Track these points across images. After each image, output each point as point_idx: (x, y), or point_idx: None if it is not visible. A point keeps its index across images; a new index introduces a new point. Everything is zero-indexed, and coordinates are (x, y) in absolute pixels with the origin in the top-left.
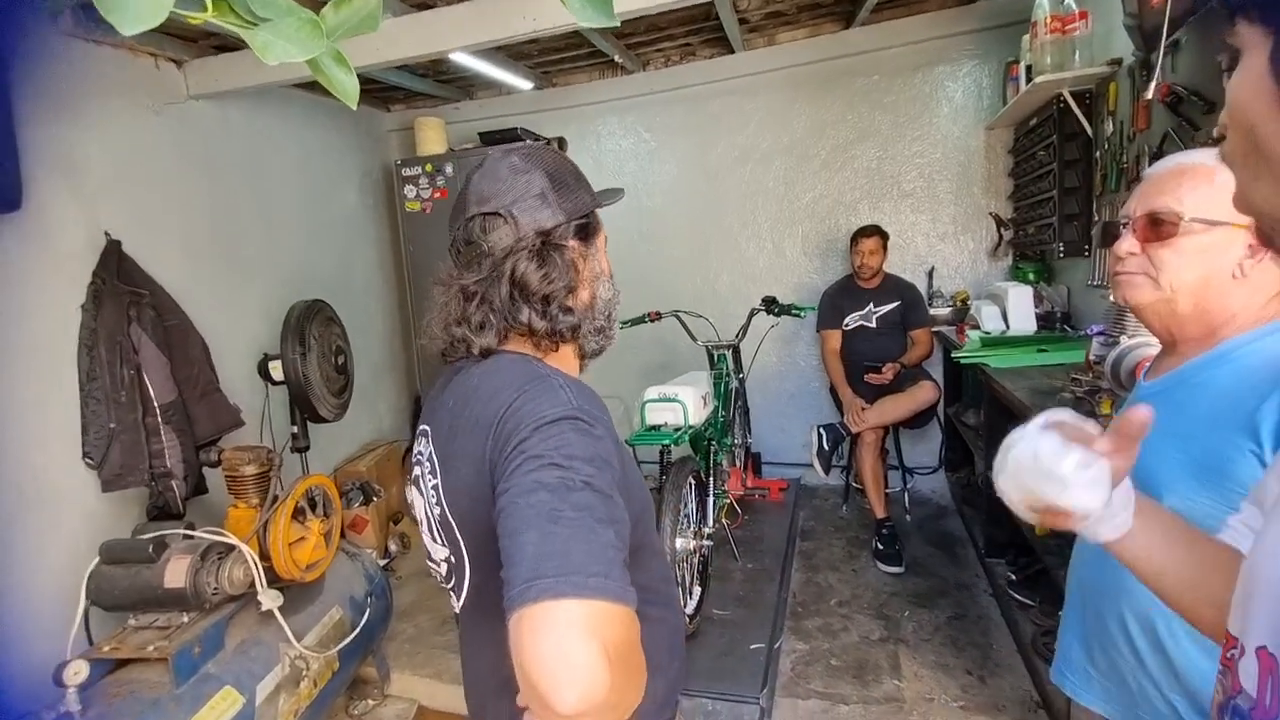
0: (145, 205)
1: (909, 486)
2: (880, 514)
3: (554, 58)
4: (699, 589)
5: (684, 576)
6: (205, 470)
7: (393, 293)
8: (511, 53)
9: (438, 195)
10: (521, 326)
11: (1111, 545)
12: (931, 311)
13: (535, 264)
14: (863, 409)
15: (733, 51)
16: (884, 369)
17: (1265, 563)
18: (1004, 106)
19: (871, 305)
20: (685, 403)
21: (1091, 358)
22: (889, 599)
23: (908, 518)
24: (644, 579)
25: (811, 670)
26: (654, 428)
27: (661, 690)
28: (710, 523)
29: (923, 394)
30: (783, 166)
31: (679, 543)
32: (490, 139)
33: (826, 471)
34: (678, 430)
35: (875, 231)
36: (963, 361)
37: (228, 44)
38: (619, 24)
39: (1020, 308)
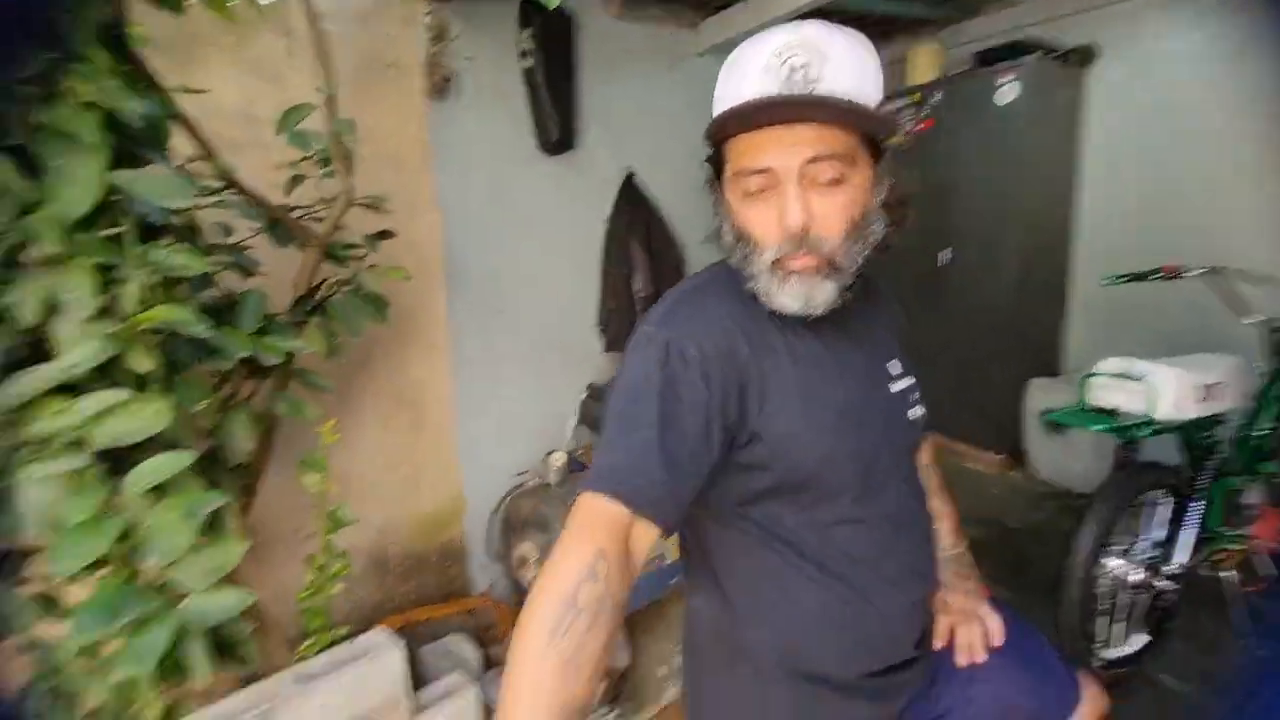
0: (653, 144)
1: None
2: None
3: None
4: (1145, 636)
5: (1125, 607)
6: None
7: None
8: None
9: (920, 127)
10: None
11: None
12: None
13: None
14: None
15: None
16: None
17: None
18: None
19: None
20: (1158, 386)
21: None
22: None
23: None
24: (798, 522)
25: None
26: (1100, 411)
27: (769, 640)
28: (1178, 562)
29: None
30: None
31: (1110, 563)
32: (987, 58)
33: None
34: (1133, 423)
35: None
36: None
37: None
38: None
39: None
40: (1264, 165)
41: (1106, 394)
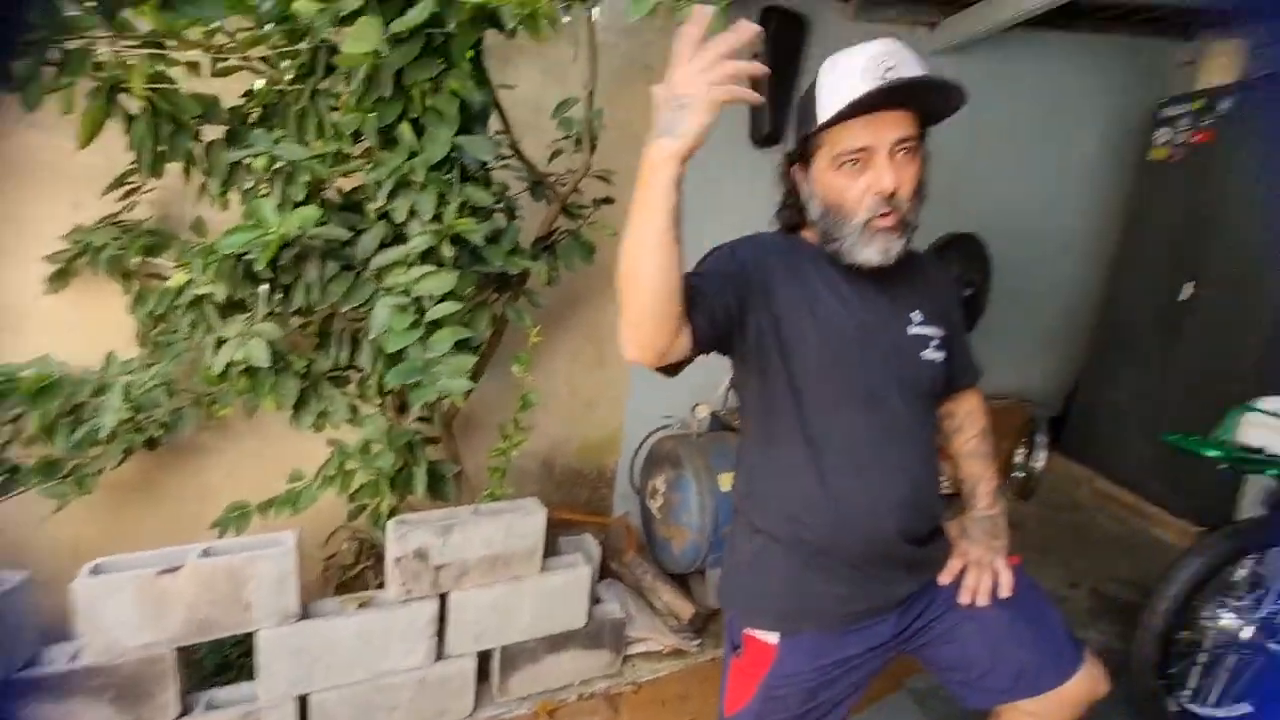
0: None
1: None
2: None
3: None
4: (1245, 707)
5: (1231, 665)
6: None
7: (1098, 255)
8: None
9: (1195, 139)
10: None
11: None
12: None
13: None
14: None
15: None
16: None
17: None
18: None
19: None
20: None
21: None
22: None
23: None
24: (810, 417)
25: None
26: (1244, 449)
27: (776, 513)
28: None
29: None
30: None
31: (1224, 614)
32: None
33: None
34: (1262, 459)
35: None
36: None
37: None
38: None
39: None
40: None
41: (1256, 431)
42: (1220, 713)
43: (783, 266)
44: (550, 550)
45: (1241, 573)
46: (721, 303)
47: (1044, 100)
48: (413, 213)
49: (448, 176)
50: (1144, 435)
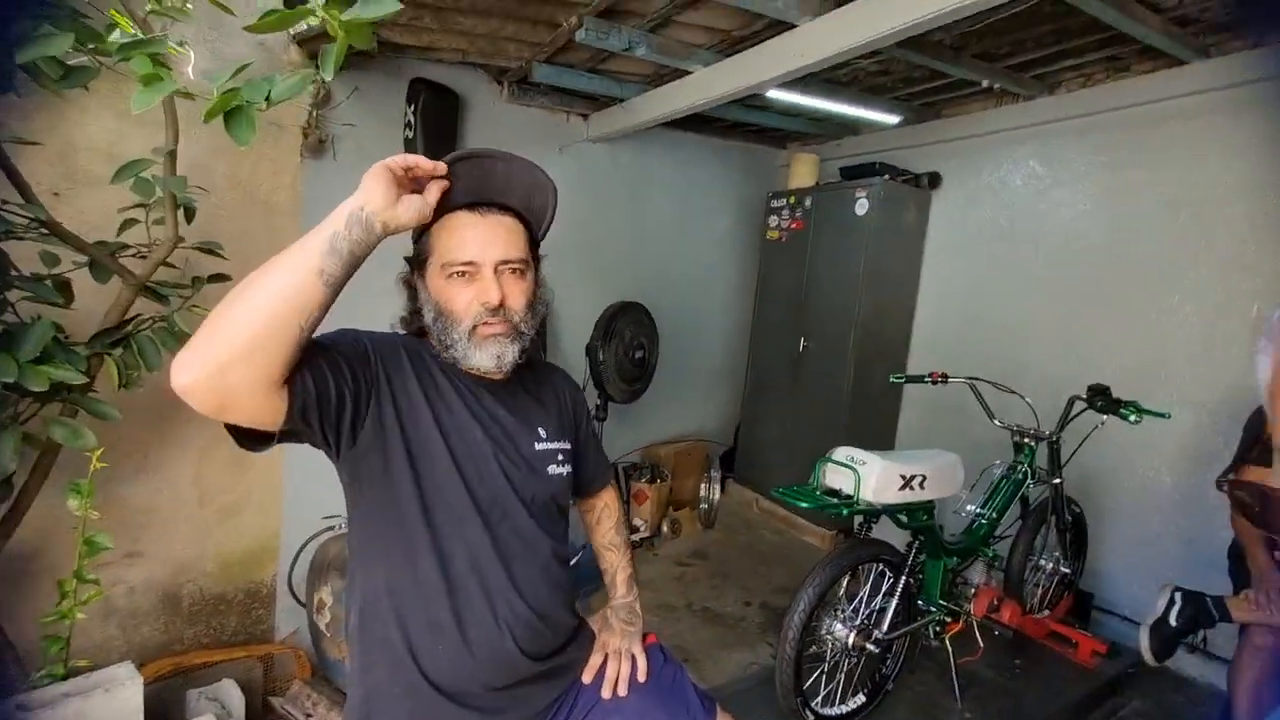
0: None
1: None
2: None
3: (933, 86)
4: (861, 698)
5: (844, 667)
6: None
7: (744, 313)
8: (869, 86)
9: (794, 226)
10: None
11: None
12: None
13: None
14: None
15: (1183, 63)
16: None
17: None
18: None
19: None
20: (862, 474)
21: None
22: None
23: None
24: (436, 530)
25: None
26: (828, 491)
27: (397, 642)
28: (881, 630)
29: None
30: (1245, 219)
31: (835, 626)
32: (850, 174)
33: (1157, 656)
34: (838, 502)
35: None
36: None
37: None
38: None
39: None
40: (1053, 297)
41: (833, 476)
42: (844, 709)
43: (414, 371)
44: (171, 714)
45: (841, 590)
46: (335, 382)
47: (689, 187)
48: None
49: None
50: (786, 460)
